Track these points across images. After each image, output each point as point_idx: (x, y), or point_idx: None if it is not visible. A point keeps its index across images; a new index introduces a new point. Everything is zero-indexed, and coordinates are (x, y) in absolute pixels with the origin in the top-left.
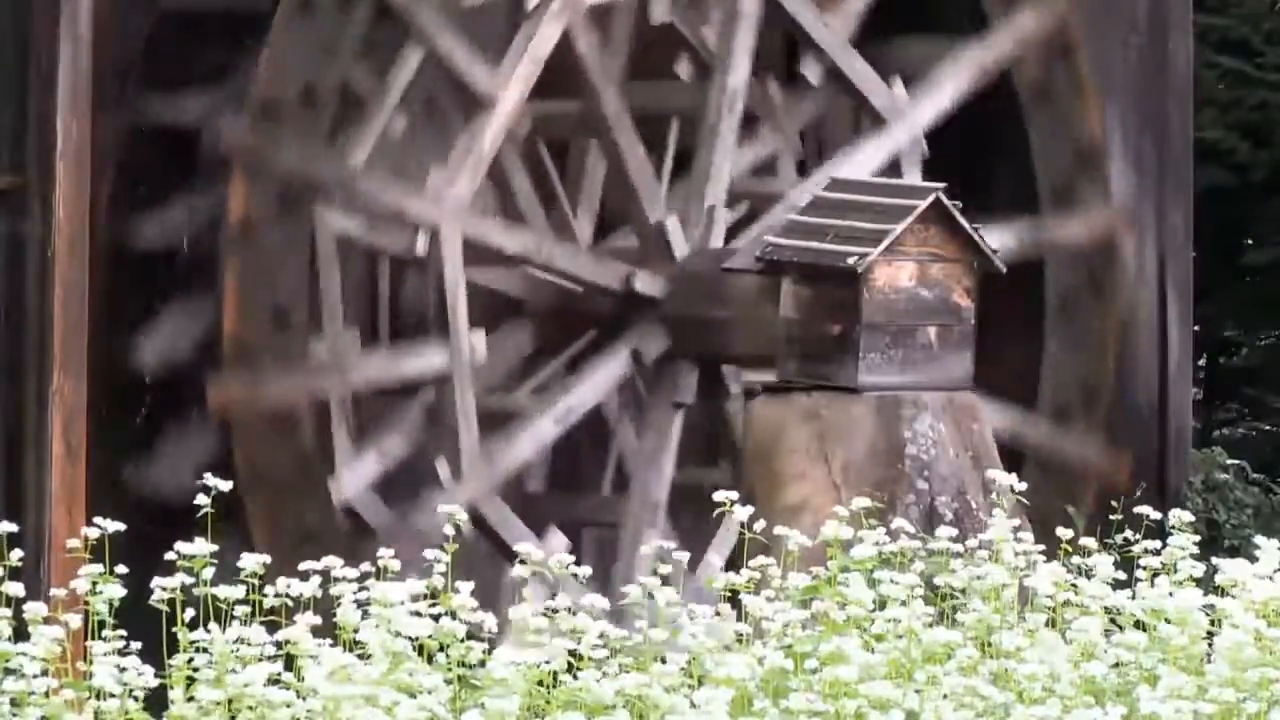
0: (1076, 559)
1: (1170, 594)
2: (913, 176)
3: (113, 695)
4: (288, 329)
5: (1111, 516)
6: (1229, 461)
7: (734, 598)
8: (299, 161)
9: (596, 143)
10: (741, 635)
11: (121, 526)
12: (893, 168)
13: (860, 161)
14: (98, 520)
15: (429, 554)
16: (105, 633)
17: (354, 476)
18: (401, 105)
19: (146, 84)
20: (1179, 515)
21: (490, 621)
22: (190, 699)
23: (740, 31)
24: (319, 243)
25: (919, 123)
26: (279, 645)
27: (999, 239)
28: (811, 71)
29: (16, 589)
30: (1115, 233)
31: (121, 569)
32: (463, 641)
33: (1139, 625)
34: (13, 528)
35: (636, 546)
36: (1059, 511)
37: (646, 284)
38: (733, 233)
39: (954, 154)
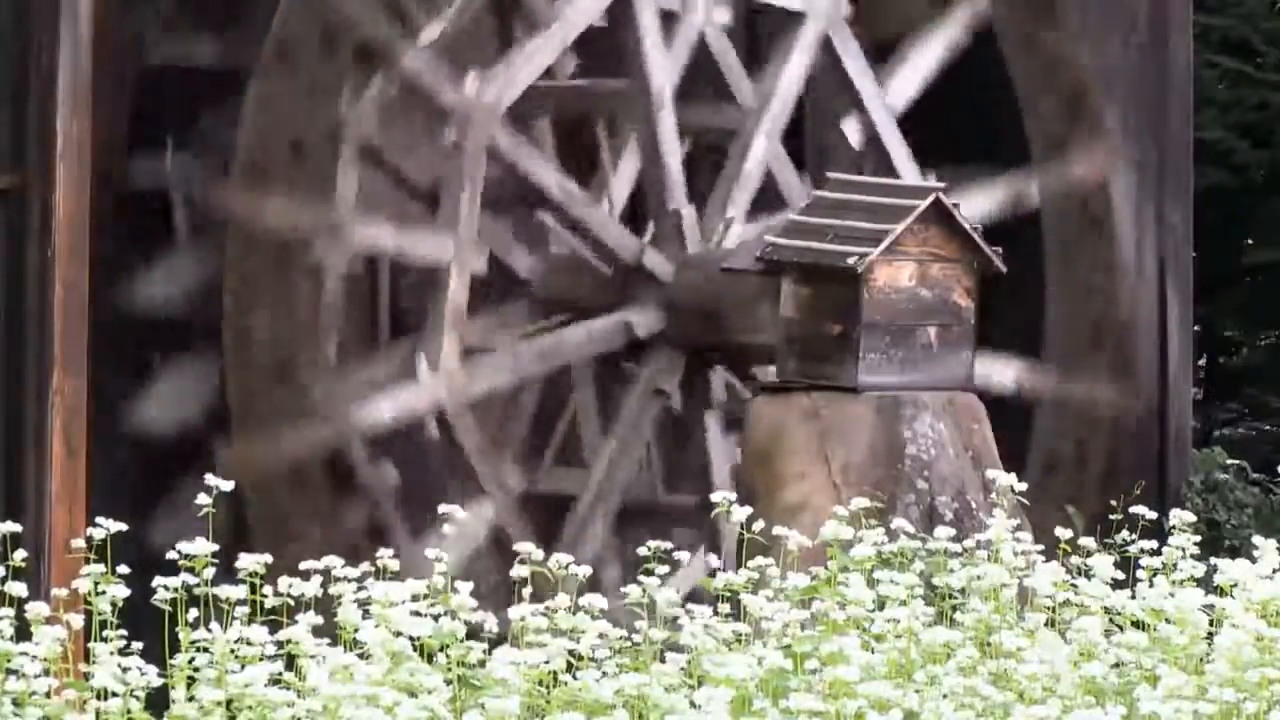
0: (1076, 559)
1: (1170, 594)
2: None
3: (114, 695)
4: (292, 386)
5: (1112, 516)
6: (1229, 461)
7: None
8: (291, 216)
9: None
10: (741, 635)
11: (123, 527)
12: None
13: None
14: (99, 520)
15: (429, 553)
16: (106, 633)
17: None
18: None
19: (132, 146)
20: (1179, 515)
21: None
22: (191, 699)
23: (790, 60)
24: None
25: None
26: (280, 645)
27: (993, 194)
28: (852, 132)
29: (17, 589)
30: (1109, 173)
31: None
32: (463, 641)
33: (1139, 625)
34: (15, 527)
35: (589, 524)
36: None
37: (655, 262)
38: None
39: (943, 113)
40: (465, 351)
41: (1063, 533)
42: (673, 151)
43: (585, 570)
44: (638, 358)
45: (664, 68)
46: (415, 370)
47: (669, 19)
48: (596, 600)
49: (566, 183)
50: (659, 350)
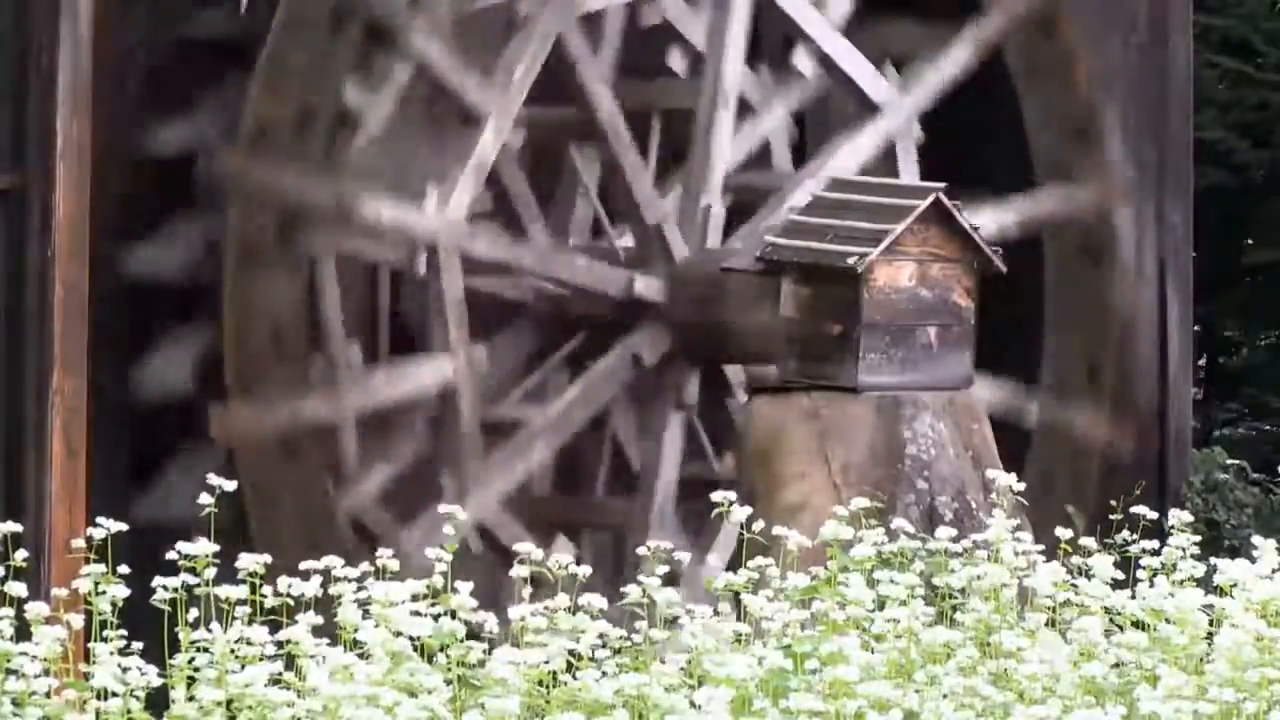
0: (1076, 559)
1: (1170, 594)
2: (908, 161)
3: (114, 695)
4: (288, 353)
5: (1112, 516)
6: (1229, 461)
7: (735, 598)
8: (295, 185)
9: (591, 148)
10: (741, 635)
11: (123, 527)
12: (887, 153)
13: (855, 148)
14: (100, 520)
15: (429, 553)
16: (107, 633)
17: (361, 490)
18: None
19: (142, 111)
20: (1179, 515)
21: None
22: (191, 699)
23: (731, 24)
24: (318, 264)
25: (913, 107)
26: (280, 645)
27: (996, 217)
28: (803, 63)
29: (17, 589)
30: (1112, 204)
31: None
32: (463, 641)
33: (1139, 625)
34: (15, 527)
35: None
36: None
37: (647, 287)
38: (729, 228)
39: (948, 134)
40: (484, 427)
41: (1063, 533)
42: (635, 166)
43: (585, 570)
44: (657, 377)
45: (604, 91)
46: (445, 494)
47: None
48: (596, 600)
49: (547, 253)
50: (672, 368)
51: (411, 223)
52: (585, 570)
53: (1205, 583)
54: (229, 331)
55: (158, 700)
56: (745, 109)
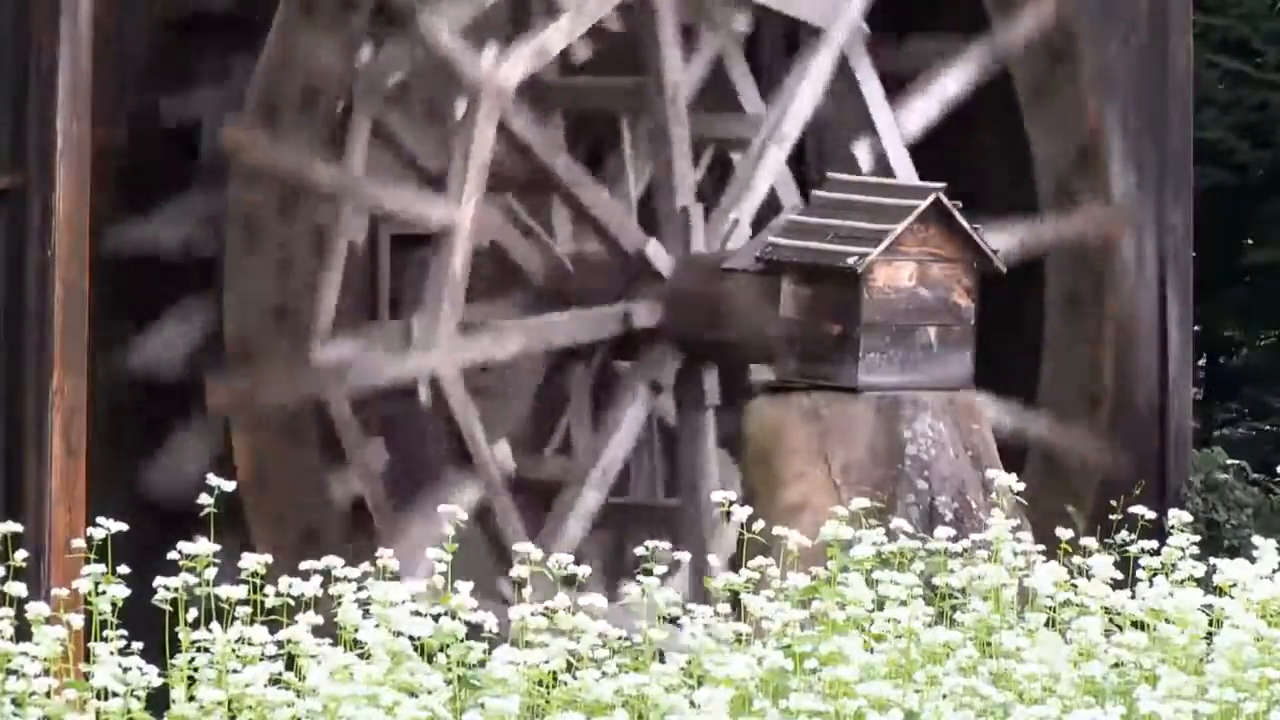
0: (1076, 559)
1: (1170, 594)
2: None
3: (114, 695)
4: (288, 330)
5: (1112, 516)
6: (1229, 461)
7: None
8: (299, 162)
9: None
10: (741, 635)
11: (123, 527)
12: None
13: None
14: (100, 520)
15: (430, 553)
16: (107, 633)
17: (356, 473)
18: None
19: (148, 84)
20: (1179, 515)
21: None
22: (191, 699)
23: (808, 76)
24: (321, 243)
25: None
26: (280, 645)
27: (999, 239)
28: (862, 155)
29: (18, 589)
30: (1115, 232)
31: (123, 569)
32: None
33: (1139, 625)
34: (15, 527)
35: (704, 554)
36: (1059, 511)
37: (657, 255)
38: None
39: (953, 152)
40: (463, 326)
41: (1063, 533)
42: (683, 149)
43: (585, 570)
44: (634, 354)
45: (678, 67)
46: (411, 338)
47: (688, 31)
48: (596, 600)
49: (573, 166)
50: (656, 344)
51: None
52: (585, 570)
53: (1205, 583)
54: (229, 305)
55: (158, 700)
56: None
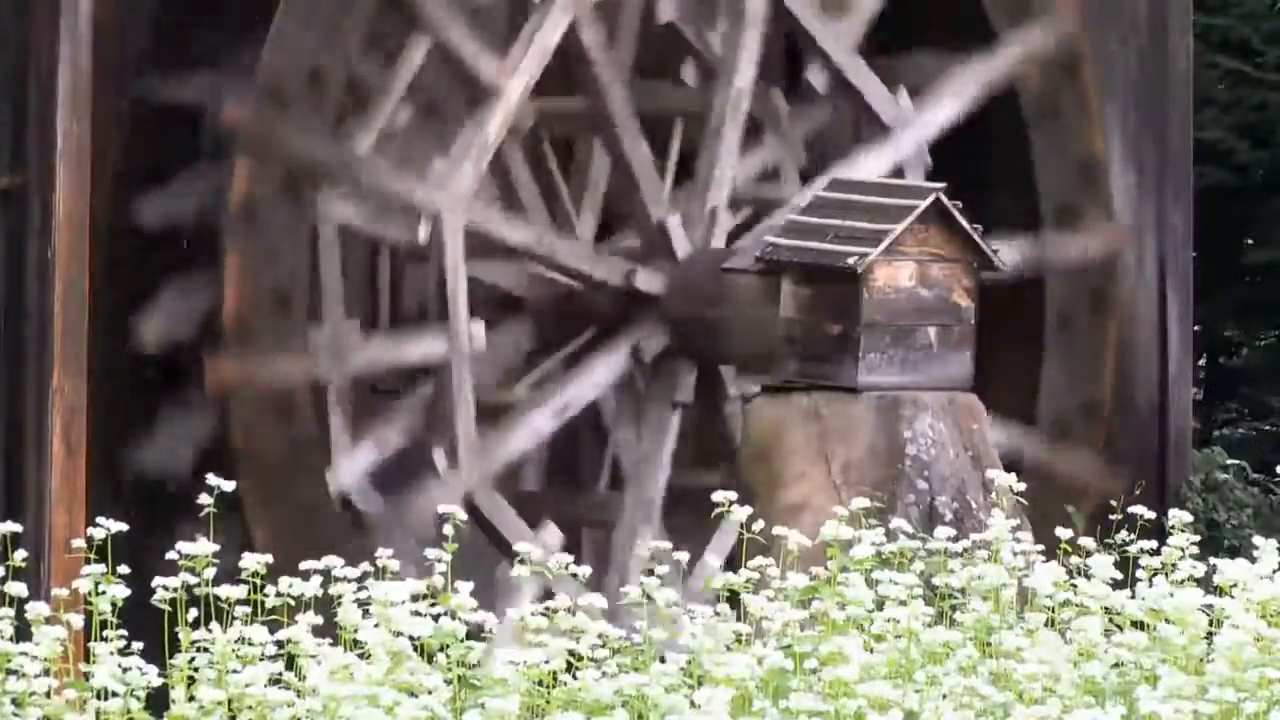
0: (1076, 559)
1: (1170, 594)
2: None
3: (114, 695)
4: (288, 311)
5: (1112, 516)
6: (1229, 461)
7: (733, 598)
8: (303, 144)
9: (600, 140)
10: (741, 635)
11: (123, 527)
12: (896, 177)
13: (863, 171)
14: (99, 520)
15: (430, 553)
16: (106, 633)
17: (350, 466)
18: (406, 97)
19: (153, 63)
20: (1179, 515)
21: (490, 621)
22: (191, 699)
23: (746, 35)
24: (320, 228)
25: (923, 132)
26: (280, 645)
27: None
28: (817, 79)
29: (17, 589)
30: (1116, 252)
31: (123, 570)
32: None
33: (1139, 625)
34: (15, 527)
35: (630, 546)
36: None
37: (647, 281)
38: (734, 237)
39: (956, 168)
40: (480, 411)
41: (1063, 533)
42: (642, 162)
43: (585, 570)
44: (653, 374)
45: (616, 81)
46: (435, 465)
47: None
48: (596, 600)
49: (545, 235)
50: (669, 365)
51: (416, 193)
52: (585, 570)
53: (1205, 583)
54: (229, 284)
55: (158, 700)
56: (756, 129)
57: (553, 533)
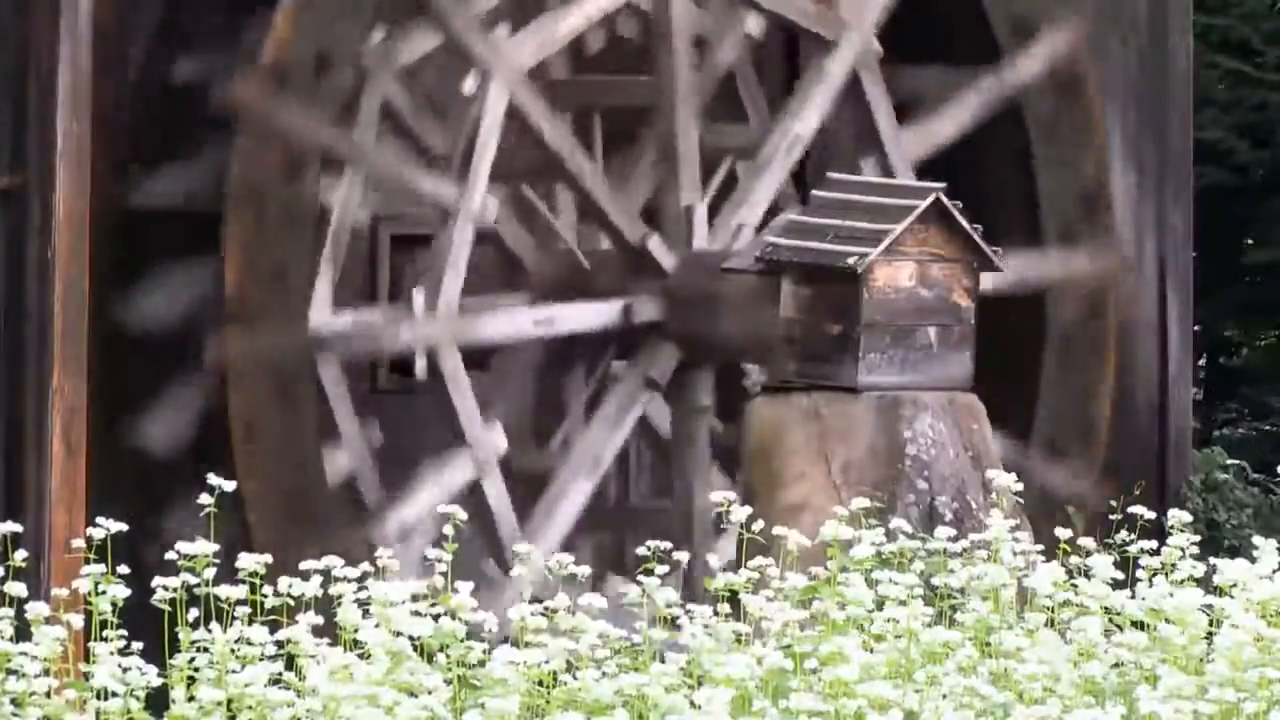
0: (1075, 559)
1: (1170, 594)
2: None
3: (114, 695)
4: (289, 290)
5: (1111, 516)
6: (1229, 461)
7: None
8: (307, 125)
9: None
10: (741, 635)
11: (123, 526)
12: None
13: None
14: (99, 520)
15: (430, 553)
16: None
17: (349, 451)
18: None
19: (158, 42)
20: (1179, 515)
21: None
22: (191, 699)
23: (819, 89)
24: (322, 210)
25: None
26: (280, 645)
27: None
28: (869, 173)
29: (17, 589)
30: (1117, 275)
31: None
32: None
33: (1139, 625)
34: (15, 527)
35: (700, 556)
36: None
37: (659, 250)
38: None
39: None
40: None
41: (1062, 533)
42: (689, 148)
43: (585, 570)
44: (632, 350)
45: (688, 69)
46: (412, 307)
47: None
48: (596, 600)
49: (580, 154)
50: (654, 340)
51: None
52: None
53: (1205, 583)
54: (230, 261)
55: (158, 700)
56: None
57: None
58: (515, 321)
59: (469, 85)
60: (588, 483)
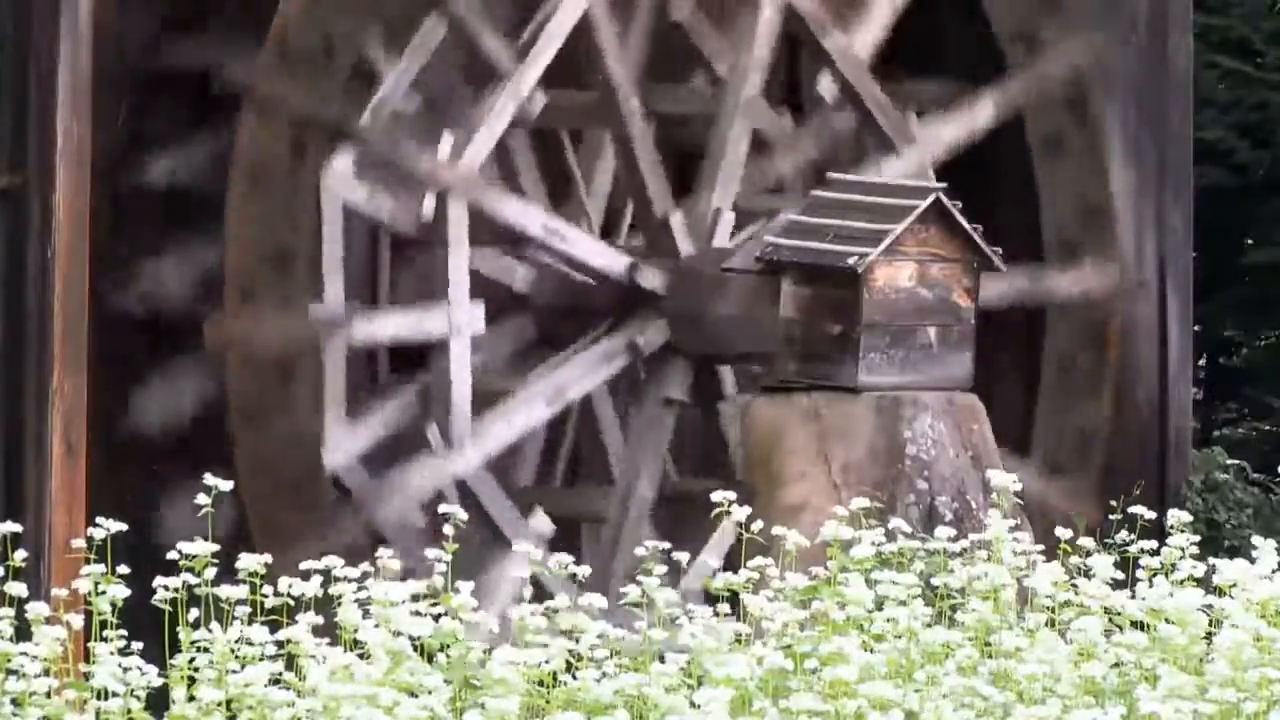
0: (1075, 559)
1: (1170, 594)
2: None
3: (114, 695)
4: (290, 273)
5: (1111, 516)
6: (1229, 461)
7: (733, 598)
8: (312, 107)
9: (609, 135)
10: (741, 635)
11: (122, 527)
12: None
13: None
14: (99, 520)
15: (430, 553)
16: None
17: (344, 445)
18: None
19: (163, 25)
20: (1179, 515)
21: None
22: (191, 699)
23: (758, 42)
24: (325, 196)
25: (928, 150)
26: (280, 645)
27: (1002, 285)
28: (827, 89)
29: (17, 589)
30: (1118, 293)
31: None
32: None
33: (1139, 625)
34: (15, 527)
35: (623, 542)
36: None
37: (649, 278)
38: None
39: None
40: (478, 397)
41: (1062, 533)
42: (649, 158)
43: (584, 570)
44: (647, 369)
45: (626, 76)
46: (431, 444)
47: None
48: (596, 600)
49: (550, 220)
50: (666, 361)
51: (423, 166)
52: (585, 570)
53: (1205, 583)
54: (231, 244)
55: (158, 701)
56: (763, 146)
57: (543, 521)
58: (531, 412)
59: (426, 201)
60: (546, 408)
